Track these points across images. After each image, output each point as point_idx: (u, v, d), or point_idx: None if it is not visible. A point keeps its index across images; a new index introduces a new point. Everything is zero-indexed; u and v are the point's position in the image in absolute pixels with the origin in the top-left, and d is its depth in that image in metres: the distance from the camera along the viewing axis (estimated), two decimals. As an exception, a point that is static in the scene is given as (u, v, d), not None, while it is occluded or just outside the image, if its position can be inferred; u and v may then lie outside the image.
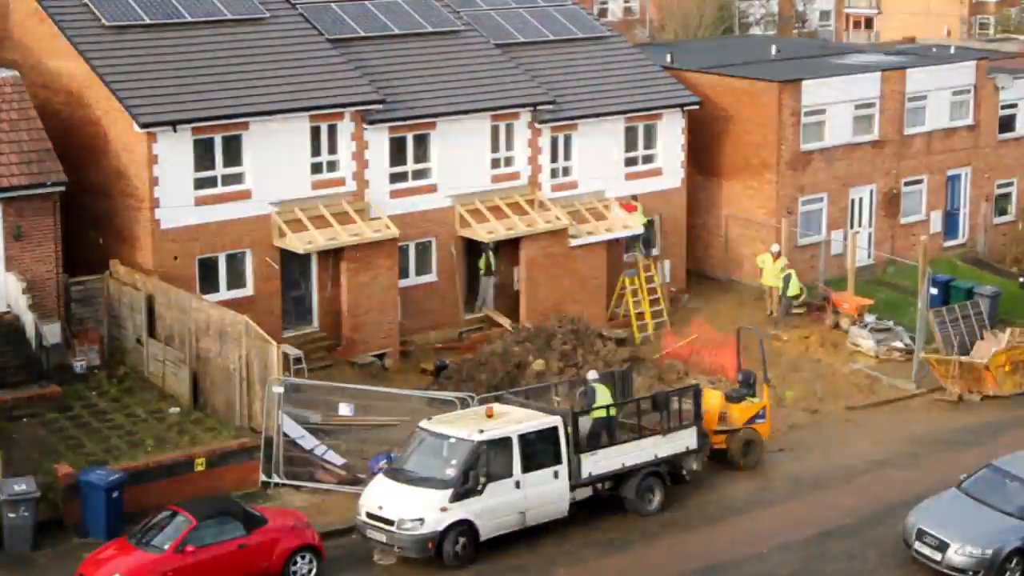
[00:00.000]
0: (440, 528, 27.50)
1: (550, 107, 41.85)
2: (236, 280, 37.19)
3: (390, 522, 27.64)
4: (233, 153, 36.88)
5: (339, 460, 31.75)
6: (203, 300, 34.64)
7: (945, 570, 27.35)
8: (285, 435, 31.31)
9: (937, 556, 27.39)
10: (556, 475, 29.03)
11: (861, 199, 48.51)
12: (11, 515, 27.43)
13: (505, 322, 40.40)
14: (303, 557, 26.86)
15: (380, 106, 38.82)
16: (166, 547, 25.70)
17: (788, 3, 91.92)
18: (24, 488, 27.59)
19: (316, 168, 38.24)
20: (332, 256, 37.98)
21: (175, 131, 35.69)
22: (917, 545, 27.81)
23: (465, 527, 27.80)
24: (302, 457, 31.53)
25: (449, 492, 27.73)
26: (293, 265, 37.93)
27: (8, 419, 32.17)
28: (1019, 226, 52.71)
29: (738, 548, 28.92)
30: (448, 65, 41.84)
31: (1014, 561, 27.14)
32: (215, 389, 33.37)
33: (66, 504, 28.44)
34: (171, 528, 26.10)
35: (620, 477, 30.24)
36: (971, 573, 27.06)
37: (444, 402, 32.45)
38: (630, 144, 44.01)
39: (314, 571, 26.98)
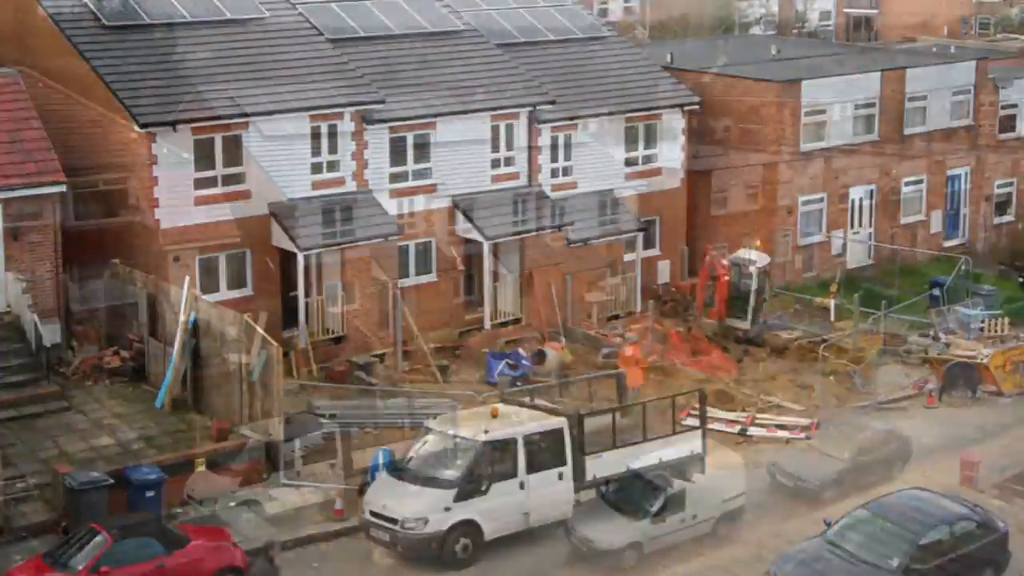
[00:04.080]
0: (444, 528, 27.26)
1: (550, 107, 41.84)
2: (236, 280, 37.23)
3: (394, 521, 27.42)
4: (233, 153, 36.89)
5: None
6: (203, 299, 34.65)
7: None
8: None
9: None
10: (560, 476, 28.79)
11: (861, 199, 48.52)
12: None
13: None
14: None
15: (380, 106, 38.83)
16: (80, 568, 24.65)
17: (788, 3, 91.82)
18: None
19: (316, 168, 38.26)
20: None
21: (175, 131, 35.69)
22: None
23: (469, 527, 27.58)
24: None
25: (454, 492, 27.54)
26: (292, 265, 37.96)
27: (8, 419, 32.16)
28: (1019, 226, 52.74)
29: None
30: (448, 65, 41.83)
31: None
32: (215, 389, 33.38)
33: (66, 504, 28.40)
34: (89, 548, 24.96)
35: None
36: None
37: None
38: (630, 144, 44.01)
39: None
